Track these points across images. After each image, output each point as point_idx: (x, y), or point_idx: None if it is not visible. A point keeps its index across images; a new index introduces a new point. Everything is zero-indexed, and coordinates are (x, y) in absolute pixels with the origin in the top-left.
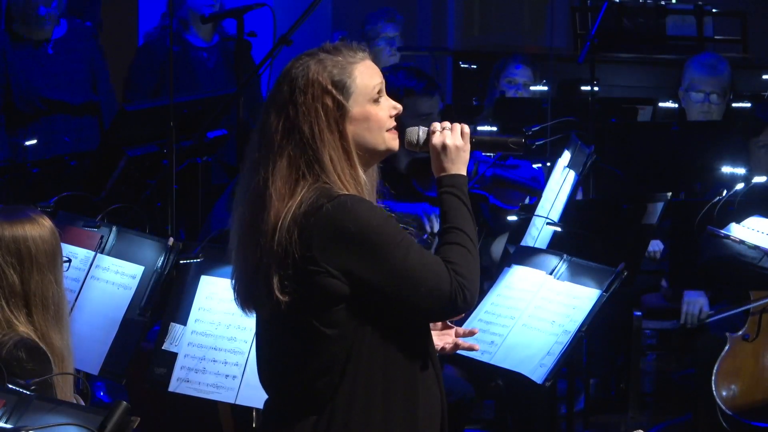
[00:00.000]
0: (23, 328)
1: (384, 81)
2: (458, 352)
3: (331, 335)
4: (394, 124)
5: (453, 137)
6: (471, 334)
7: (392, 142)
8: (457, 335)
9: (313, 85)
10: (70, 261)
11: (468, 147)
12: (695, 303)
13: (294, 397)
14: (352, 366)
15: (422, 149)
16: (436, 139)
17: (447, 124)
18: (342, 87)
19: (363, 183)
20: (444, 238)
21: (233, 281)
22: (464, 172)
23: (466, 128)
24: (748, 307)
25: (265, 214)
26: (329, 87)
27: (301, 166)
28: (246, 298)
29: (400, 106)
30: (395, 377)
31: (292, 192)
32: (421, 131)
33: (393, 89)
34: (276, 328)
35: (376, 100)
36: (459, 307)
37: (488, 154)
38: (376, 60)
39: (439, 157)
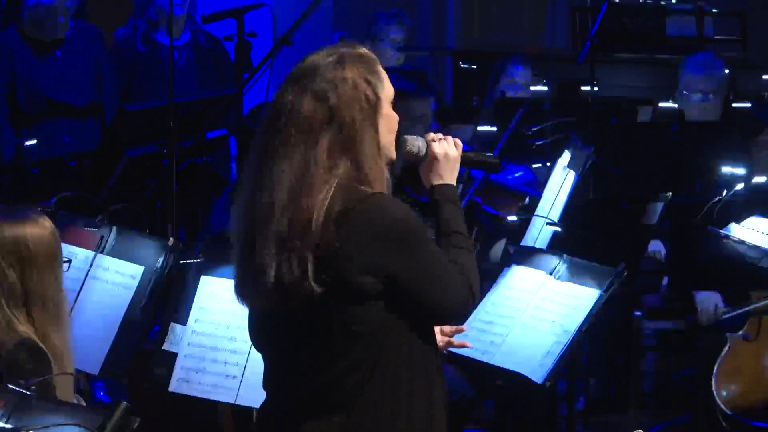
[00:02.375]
0: (23, 328)
1: None
2: (454, 350)
3: (360, 332)
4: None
5: (450, 148)
6: (459, 331)
7: (393, 149)
8: (443, 333)
9: (354, 76)
10: (70, 261)
11: (459, 158)
12: (709, 300)
13: (317, 396)
14: (381, 363)
15: (418, 159)
16: (439, 149)
17: (440, 135)
18: (375, 83)
19: (388, 181)
20: (449, 241)
21: (236, 278)
22: (455, 182)
23: (459, 141)
24: (766, 303)
25: (304, 202)
26: (370, 78)
27: (336, 156)
28: (255, 294)
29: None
30: (417, 373)
31: (325, 184)
32: (420, 142)
33: None
34: (301, 325)
35: (390, 102)
36: (468, 310)
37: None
38: (380, 61)
39: (438, 166)
